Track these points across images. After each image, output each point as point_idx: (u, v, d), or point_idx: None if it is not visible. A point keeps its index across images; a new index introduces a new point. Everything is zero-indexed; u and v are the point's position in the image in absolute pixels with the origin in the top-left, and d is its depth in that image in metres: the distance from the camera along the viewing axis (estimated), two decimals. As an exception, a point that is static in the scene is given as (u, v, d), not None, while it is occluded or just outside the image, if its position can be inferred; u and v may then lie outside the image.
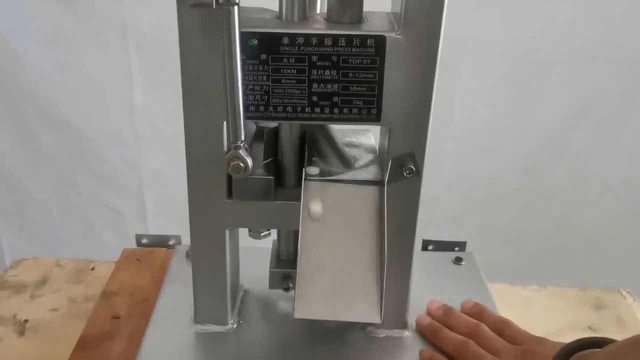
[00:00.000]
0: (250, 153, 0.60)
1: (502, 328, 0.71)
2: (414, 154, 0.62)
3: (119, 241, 0.94)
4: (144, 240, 0.92)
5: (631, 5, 1.26)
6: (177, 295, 0.77)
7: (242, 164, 0.59)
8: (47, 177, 1.45)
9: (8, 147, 1.41)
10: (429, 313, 0.76)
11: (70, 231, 1.50)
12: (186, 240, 0.70)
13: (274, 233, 0.75)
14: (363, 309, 0.61)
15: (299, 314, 0.61)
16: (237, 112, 0.57)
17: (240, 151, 0.59)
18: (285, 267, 0.75)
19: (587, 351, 0.59)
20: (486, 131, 1.36)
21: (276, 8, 0.62)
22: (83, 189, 1.46)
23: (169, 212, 1.36)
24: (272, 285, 0.76)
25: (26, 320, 0.80)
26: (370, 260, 0.62)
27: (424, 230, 0.69)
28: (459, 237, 0.91)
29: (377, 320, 0.61)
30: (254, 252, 0.76)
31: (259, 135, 0.68)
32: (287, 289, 0.75)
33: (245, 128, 0.58)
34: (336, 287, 0.62)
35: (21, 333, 0.78)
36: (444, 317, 0.74)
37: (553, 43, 1.29)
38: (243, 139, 0.58)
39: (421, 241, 0.89)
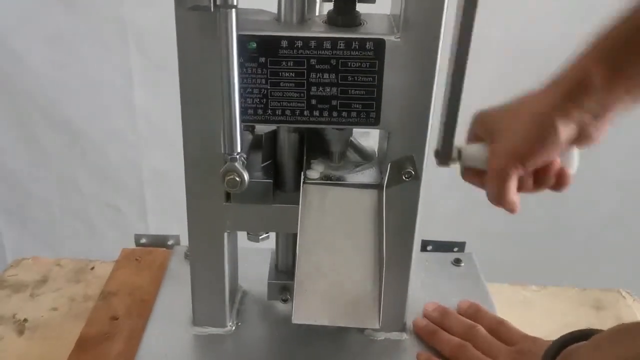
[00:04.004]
0: (248, 159, 0.59)
1: (498, 328, 0.71)
2: (413, 157, 0.62)
3: (120, 240, 0.94)
4: (143, 240, 0.92)
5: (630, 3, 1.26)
6: (175, 296, 0.78)
7: (237, 178, 0.58)
8: (48, 176, 1.45)
9: (9, 146, 1.41)
10: (425, 315, 0.76)
11: (72, 230, 1.51)
12: (185, 240, 0.70)
13: (272, 237, 0.75)
14: (361, 314, 0.61)
15: (297, 319, 0.61)
16: (233, 121, 0.56)
17: (236, 164, 0.57)
18: (283, 279, 0.75)
19: (573, 345, 0.59)
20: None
21: (275, 9, 0.61)
22: (84, 187, 1.46)
23: (169, 210, 1.36)
24: (271, 296, 0.76)
25: (25, 320, 0.80)
26: (369, 265, 0.62)
27: (423, 230, 0.68)
28: (458, 237, 0.91)
29: (375, 325, 0.61)
30: (252, 253, 0.76)
31: (256, 139, 0.68)
32: (285, 301, 0.75)
33: (241, 137, 0.57)
34: (334, 292, 0.62)
35: (20, 332, 0.78)
36: (440, 318, 0.74)
37: (552, 42, 1.29)
38: (239, 150, 0.57)
39: (420, 242, 0.88)
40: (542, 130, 0.57)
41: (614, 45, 0.56)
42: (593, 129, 0.58)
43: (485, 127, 0.63)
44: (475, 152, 0.63)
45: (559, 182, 0.63)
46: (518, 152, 0.59)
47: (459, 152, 0.63)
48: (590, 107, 0.57)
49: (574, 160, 0.63)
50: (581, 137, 0.58)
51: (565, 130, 0.57)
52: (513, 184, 0.60)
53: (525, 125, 0.59)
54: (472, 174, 0.65)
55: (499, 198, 0.62)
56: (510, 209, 0.63)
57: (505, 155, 0.59)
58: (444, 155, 0.62)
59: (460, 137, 0.63)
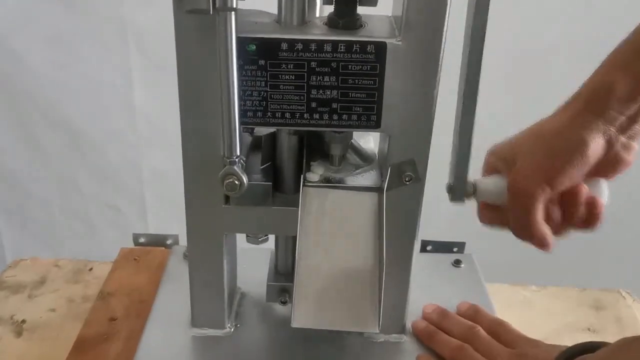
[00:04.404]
0: (247, 161, 0.59)
1: (498, 330, 0.71)
2: (414, 161, 0.62)
3: (120, 240, 0.94)
4: (142, 240, 0.91)
5: (631, 4, 1.26)
6: (174, 297, 0.77)
7: (237, 182, 0.57)
8: (48, 176, 1.45)
9: (9, 146, 1.41)
10: (424, 316, 0.76)
11: (72, 230, 1.50)
12: (184, 239, 0.70)
13: (271, 239, 0.74)
14: (361, 318, 0.61)
15: (296, 324, 0.61)
16: (232, 123, 0.56)
17: (235, 167, 0.57)
18: (282, 281, 0.75)
19: (579, 358, 0.59)
20: (485, 131, 1.35)
21: (275, 10, 0.61)
22: (84, 188, 1.46)
23: (169, 210, 1.36)
24: (270, 298, 0.75)
25: (24, 321, 0.80)
26: (369, 268, 0.62)
27: (422, 230, 0.68)
28: (458, 238, 0.90)
29: (375, 329, 0.61)
30: (251, 254, 0.76)
31: (256, 139, 0.67)
32: (284, 303, 0.74)
33: (240, 140, 0.57)
34: (334, 295, 0.62)
35: (18, 333, 0.78)
36: (439, 320, 0.74)
37: (552, 42, 1.29)
38: (239, 153, 0.57)
39: (420, 242, 0.88)
40: (568, 143, 0.54)
41: (635, 52, 0.54)
42: (621, 147, 0.55)
43: (502, 156, 0.60)
44: (492, 184, 0.60)
45: (591, 212, 0.58)
46: (543, 170, 0.55)
47: (474, 186, 0.60)
48: (614, 117, 0.54)
49: (605, 189, 0.59)
50: (611, 160, 0.56)
51: (592, 142, 0.54)
52: (540, 209, 0.56)
53: (548, 142, 0.55)
54: (491, 212, 0.62)
55: (525, 227, 0.57)
56: (540, 243, 0.57)
57: (528, 176, 0.55)
58: (458, 190, 0.59)
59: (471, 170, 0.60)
